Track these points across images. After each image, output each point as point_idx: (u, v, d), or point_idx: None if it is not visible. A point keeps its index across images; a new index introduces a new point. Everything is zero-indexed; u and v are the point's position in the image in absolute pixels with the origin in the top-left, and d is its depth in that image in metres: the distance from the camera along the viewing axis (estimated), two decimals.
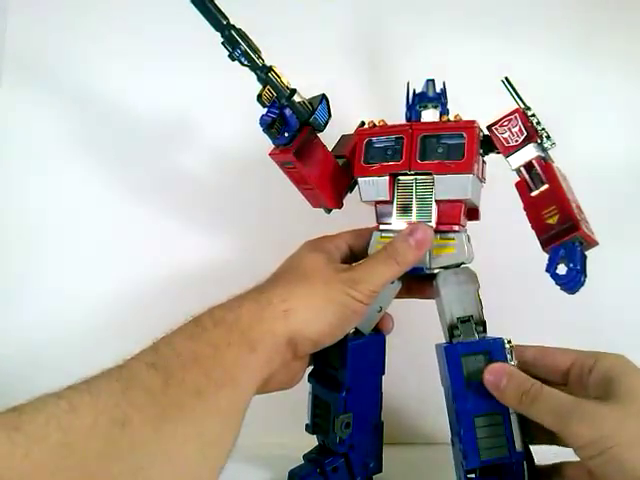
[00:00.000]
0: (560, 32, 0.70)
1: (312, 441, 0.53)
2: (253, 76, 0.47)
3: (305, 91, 0.48)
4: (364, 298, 0.44)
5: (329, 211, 0.54)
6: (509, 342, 0.46)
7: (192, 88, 0.69)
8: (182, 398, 0.33)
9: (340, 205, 0.53)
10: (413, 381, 0.65)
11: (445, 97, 0.50)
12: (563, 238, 0.43)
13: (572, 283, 0.41)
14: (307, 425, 0.52)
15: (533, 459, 0.46)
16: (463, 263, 0.48)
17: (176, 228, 0.71)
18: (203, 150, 0.71)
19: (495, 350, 0.45)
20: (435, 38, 0.70)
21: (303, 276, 0.44)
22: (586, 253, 0.43)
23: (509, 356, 0.46)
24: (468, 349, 0.46)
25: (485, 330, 0.47)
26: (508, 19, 0.70)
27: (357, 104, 0.66)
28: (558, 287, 0.42)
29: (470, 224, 0.50)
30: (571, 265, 0.42)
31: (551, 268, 0.42)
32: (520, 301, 0.65)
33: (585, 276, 0.42)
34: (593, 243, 0.43)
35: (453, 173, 0.46)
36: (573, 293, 0.42)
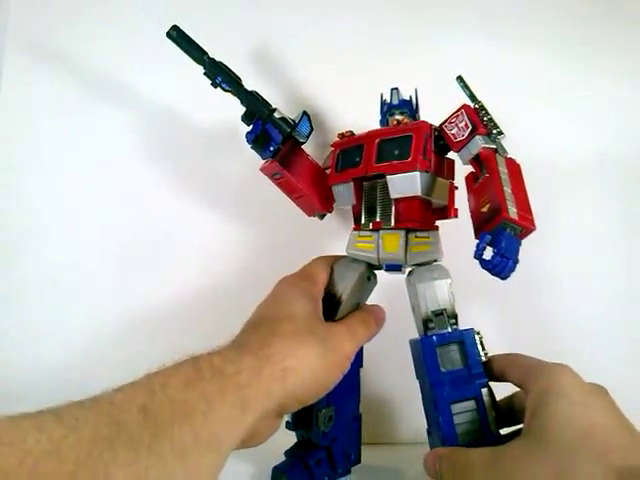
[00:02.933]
0: (557, 30, 0.70)
1: (291, 439, 0.53)
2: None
3: None
4: (353, 357, 0.45)
5: (322, 217, 0.57)
6: (478, 333, 0.47)
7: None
8: (166, 458, 0.31)
9: (330, 208, 0.55)
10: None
11: (412, 103, 0.52)
12: (491, 224, 0.43)
13: (498, 268, 0.41)
14: (287, 422, 0.52)
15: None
16: (436, 260, 0.50)
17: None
18: (210, 147, 0.70)
19: (467, 339, 0.47)
20: (436, 38, 0.70)
21: (299, 332, 0.42)
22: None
23: (479, 346, 0.47)
24: (443, 340, 0.47)
25: (457, 322, 0.48)
26: (503, 17, 0.70)
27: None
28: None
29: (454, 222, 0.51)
30: (494, 250, 0.41)
31: (477, 253, 0.42)
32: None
33: (514, 262, 0.41)
34: (527, 229, 0.43)
35: (401, 172, 0.47)
36: (504, 279, 0.41)
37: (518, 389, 0.45)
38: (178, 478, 0.31)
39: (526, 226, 0.42)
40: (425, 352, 0.47)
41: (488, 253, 0.42)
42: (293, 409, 0.42)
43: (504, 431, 0.45)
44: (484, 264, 0.42)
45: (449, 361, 0.47)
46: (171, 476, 0.31)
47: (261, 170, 0.53)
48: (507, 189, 0.43)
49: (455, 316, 0.48)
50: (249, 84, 0.52)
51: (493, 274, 0.41)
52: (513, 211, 0.42)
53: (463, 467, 0.40)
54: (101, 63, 0.69)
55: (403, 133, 0.48)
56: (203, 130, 0.69)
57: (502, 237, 0.41)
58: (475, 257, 0.42)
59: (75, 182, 0.69)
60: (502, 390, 0.47)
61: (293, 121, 0.52)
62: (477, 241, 0.43)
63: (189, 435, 0.32)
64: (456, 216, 0.51)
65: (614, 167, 0.68)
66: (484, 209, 0.44)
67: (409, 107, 0.52)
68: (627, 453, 0.33)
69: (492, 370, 0.46)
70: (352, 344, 0.45)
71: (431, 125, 0.49)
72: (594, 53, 0.70)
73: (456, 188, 0.51)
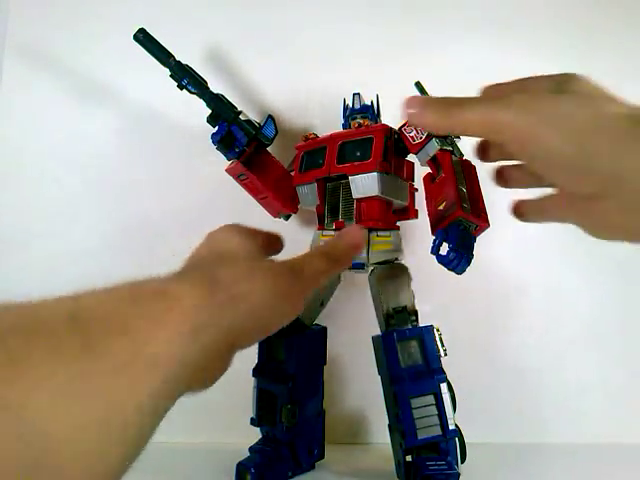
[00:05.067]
0: (559, 32, 0.68)
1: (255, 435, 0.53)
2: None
3: None
4: (308, 292, 0.38)
5: (287, 218, 0.57)
6: (437, 330, 0.48)
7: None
8: (98, 371, 0.25)
9: (295, 209, 0.55)
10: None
11: (374, 108, 0.53)
12: (446, 220, 0.43)
13: (453, 263, 0.42)
14: (252, 419, 0.52)
15: (463, 437, 0.49)
16: (397, 259, 0.50)
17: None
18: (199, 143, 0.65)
19: (427, 336, 0.47)
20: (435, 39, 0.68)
21: (242, 264, 0.36)
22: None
23: (439, 342, 0.48)
24: (403, 336, 0.47)
25: (417, 319, 0.49)
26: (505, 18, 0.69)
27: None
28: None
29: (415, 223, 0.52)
30: (451, 245, 0.42)
31: (433, 249, 0.43)
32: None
33: (469, 257, 0.42)
34: (482, 226, 0.43)
35: (362, 173, 0.48)
36: (459, 273, 0.42)
37: None
38: (109, 395, 0.25)
39: (480, 223, 0.43)
40: (386, 348, 0.47)
41: (444, 249, 0.42)
42: (244, 344, 0.35)
43: None
44: (440, 259, 0.42)
45: (409, 357, 0.47)
46: (101, 395, 0.25)
47: (227, 171, 0.53)
48: (462, 188, 0.44)
49: (415, 313, 0.49)
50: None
51: (449, 269, 0.42)
52: (467, 209, 0.42)
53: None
54: (95, 67, 0.67)
55: (364, 135, 0.49)
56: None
57: (457, 233, 0.42)
58: (432, 252, 0.43)
59: (67, 180, 0.67)
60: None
61: (258, 124, 0.53)
62: (434, 237, 0.44)
63: (126, 350, 0.26)
64: (416, 217, 0.52)
65: None
66: (440, 207, 0.45)
67: (371, 112, 0.52)
68: None
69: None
70: (300, 280, 0.37)
71: (391, 128, 0.49)
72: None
73: (416, 190, 0.52)
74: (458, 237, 0.42)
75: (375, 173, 0.47)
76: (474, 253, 0.42)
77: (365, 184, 0.48)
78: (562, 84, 0.34)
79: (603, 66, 0.67)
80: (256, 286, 0.34)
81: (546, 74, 0.36)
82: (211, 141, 0.52)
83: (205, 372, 0.33)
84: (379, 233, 0.49)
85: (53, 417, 0.22)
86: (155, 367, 0.27)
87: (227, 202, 0.65)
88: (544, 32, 0.68)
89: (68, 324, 0.25)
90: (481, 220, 0.43)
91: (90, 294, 0.28)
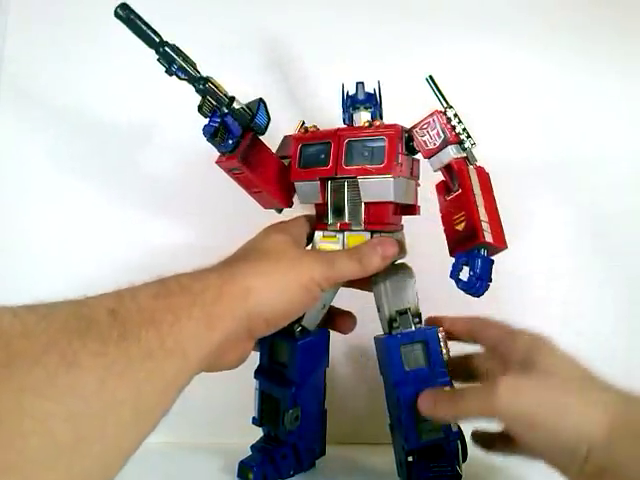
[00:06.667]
0: (558, 32, 0.67)
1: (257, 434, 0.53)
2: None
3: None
4: (326, 284, 0.43)
5: (280, 211, 0.54)
6: (441, 332, 0.47)
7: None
8: (132, 356, 0.31)
9: (290, 204, 0.53)
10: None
11: (376, 99, 0.50)
12: (466, 246, 0.42)
13: (473, 289, 0.42)
14: (254, 418, 0.51)
15: (464, 438, 0.48)
16: (400, 258, 0.49)
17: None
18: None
19: (431, 338, 0.46)
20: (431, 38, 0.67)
21: (267, 254, 0.42)
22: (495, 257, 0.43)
23: (442, 344, 0.47)
24: (407, 339, 0.46)
25: (421, 321, 0.48)
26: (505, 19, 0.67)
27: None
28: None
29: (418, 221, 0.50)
30: (471, 273, 0.42)
31: (453, 274, 0.42)
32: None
33: (487, 282, 0.42)
34: (500, 248, 0.43)
35: (375, 177, 0.45)
36: (478, 297, 0.42)
37: (474, 351, 0.48)
38: (142, 376, 0.31)
39: (498, 246, 0.42)
40: (390, 351, 0.47)
41: (464, 273, 0.42)
42: (263, 331, 0.41)
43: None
44: (461, 284, 0.42)
45: (413, 360, 0.47)
46: (136, 373, 0.31)
47: (217, 164, 0.50)
48: (481, 209, 0.42)
49: (419, 315, 0.48)
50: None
51: (469, 294, 0.42)
52: (489, 235, 0.41)
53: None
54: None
55: (375, 136, 0.46)
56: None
57: (478, 259, 0.42)
58: (451, 277, 0.42)
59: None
60: None
61: (250, 110, 0.48)
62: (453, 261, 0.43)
63: (155, 339, 0.32)
64: (419, 213, 0.51)
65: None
66: (459, 227, 0.43)
67: (373, 102, 0.49)
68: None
69: (457, 332, 0.47)
70: (324, 270, 0.43)
71: (402, 127, 0.47)
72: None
73: (418, 185, 0.50)
74: (480, 263, 0.42)
75: (389, 179, 0.45)
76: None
77: (377, 189, 0.45)
78: (530, 356, 0.41)
79: (604, 66, 0.67)
80: (268, 282, 0.39)
81: (508, 328, 0.45)
82: (203, 134, 0.47)
83: (223, 356, 0.39)
84: (383, 234, 0.48)
85: (97, 396, 0.28)
86: (177, 353, 0.33)
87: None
88: (545, 28, 0.67)
89: (109, 319, 0.31)
90: (501, 243, 0.42)
91: (128, 290, 0.34)
